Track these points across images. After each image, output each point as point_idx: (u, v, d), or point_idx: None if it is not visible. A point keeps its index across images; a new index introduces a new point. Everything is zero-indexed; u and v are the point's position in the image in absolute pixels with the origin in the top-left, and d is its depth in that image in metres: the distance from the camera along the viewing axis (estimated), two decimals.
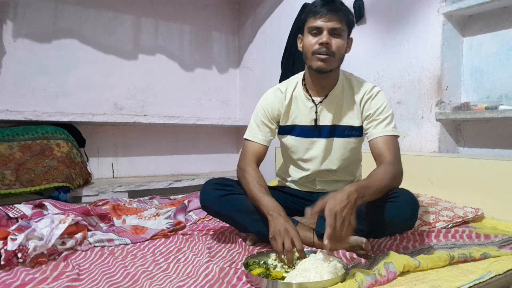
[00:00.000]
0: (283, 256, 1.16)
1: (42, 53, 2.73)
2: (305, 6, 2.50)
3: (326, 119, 1.47)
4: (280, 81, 2.08)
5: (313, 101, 1.47)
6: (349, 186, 1.10)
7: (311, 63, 1.39)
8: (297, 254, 1.17)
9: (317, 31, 1.35)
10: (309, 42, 1.37)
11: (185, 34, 3.38)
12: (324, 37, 1.33)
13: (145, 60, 3.18)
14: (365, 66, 2.41)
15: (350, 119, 1.47)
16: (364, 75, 2.41)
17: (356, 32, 2.49)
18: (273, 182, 2.36)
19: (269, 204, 1.28)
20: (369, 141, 1.42)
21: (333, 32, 1.34)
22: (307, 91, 1.49)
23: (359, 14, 2.41)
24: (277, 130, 1.56)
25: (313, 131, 1.48)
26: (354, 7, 2.42)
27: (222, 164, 3.59)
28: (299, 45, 1.45)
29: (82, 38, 2.88)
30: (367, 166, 1.42)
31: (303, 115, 1.49)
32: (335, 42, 1.34)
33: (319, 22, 1.33)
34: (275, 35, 3.12)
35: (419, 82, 2.15)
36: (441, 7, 2.01)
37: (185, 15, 3.35)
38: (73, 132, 2.71)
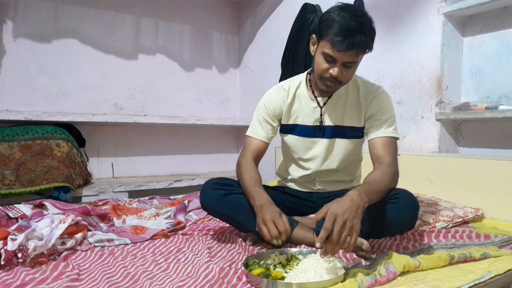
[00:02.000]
0: (274, 241, 1.19)
1: (42, 53, 2.73)
2: (305, 6, 2.50)
3: (329, 120, 1.47)
4: (280, 81, 2.07)
5: (317, 101, 1.47)
6: (352, 191, 1.10)
7: (318, 82, 1.37)
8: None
9: (331, 59, 1.27)
10: (320, 64, 1.30)
11: (185, 34, 3.38)
12: (336, 71, 1.27)
13: (145, 60, 3.18)
14: (365, 66, 2.40)
15: (353, 120, 1.46)
16: (364, 75, 2.39)
17: None
18: (273, 182, 2.36)
19: (256, 195, 1.29)
20: (368, 141, 1.42)
21: (346, 64, 1.27)
22: (312, 92, 1.48)
23: None
24: (278, 128, 1.56)
25: (316, 131, 1.48)
26: None
27: (222, 164, 3.59)
28: (312, 47, 1.37)
29: (82, 38, 2.88)
30: (367, 166, 1.42)
31: (305, 114, 1.49)
32: (346, 73, 1.29)
33: (334, 53, 1.24)
34: (275, 35, 3.12)
35: (419, 82, 2.15)
36: (441, 7, 2.01)
37: (185, 15, 3.35)
38: (73, 132, 2.71)
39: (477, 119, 1.94)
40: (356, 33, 1.21)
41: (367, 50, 1.29)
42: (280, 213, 1.23)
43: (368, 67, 2.40)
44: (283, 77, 2.64)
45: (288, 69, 2.63)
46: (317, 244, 1.01)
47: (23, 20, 2.66)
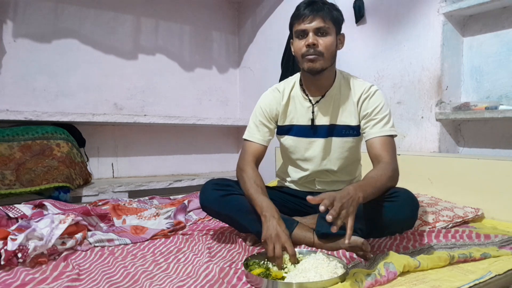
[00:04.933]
0: (273, 262, 1.15)
1: (42, 53, 2.72)
2: None
3: (323, 119, 1.47)
4: (280, 81, 2.08)
5: (310, 101, 1.48)
6: (349, 186, 1.11)
7: (302, 66, 1.40)
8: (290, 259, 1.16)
9: (303, 34, 1.36)
10: (297, 45, 1.39)
11: (185, 34, 3.38)
12: (310, 38, 1.34)
13: (145, 60, 3.17)
14: (365, 66, 2.41)
15: (348, 119, 1.46)
16: (364, 75, 2.42)
17: (356, 32, 2.50)
18: (273, 182, 2.36)
19: (263, 204, 1.28)
20: (366, 141, 1.42)
21: (318, 32, 1.34)
22: (304, 91, 1.49)
23: (359, 14, 2.41)
24: (275, 130, 1.56)
25: (311, 131, 1.48)
26: (354, 7, 2.42)
27: (222, 164, 3.59)
28: (292, 49, 1.45)
29: (82, 38, 2.88)
30: (367, 166, 1.42)
31: (300, 115, 1.49)
32: (322, 42, 1.34)
33: (303, 25, 1.34)
34: (275, 35, 3.12)
35: (419, 82, 2.15)
36: (441, 7, 2.01)
37: (185, 15, 3.35)
38: (73, 132, 2.70)
39: (477, 119, 1.94)
40: (317, 1, 1.36)
41: (336, 21, 1.38)
42: (289, 235, 1.21)
43: (368, 67, 2.40)
44: (283, 77, 2.64)
45: (288, 69, 2.63)
46: (321, 208, 0.98)
47: (23, 20, 2.65)
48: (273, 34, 3.19)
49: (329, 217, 0.97)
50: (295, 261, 1.15)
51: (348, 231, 1.00)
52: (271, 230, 1.19)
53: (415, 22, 2.15)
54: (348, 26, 2.48)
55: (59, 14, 2.78)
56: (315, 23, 1.33)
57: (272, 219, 1.22)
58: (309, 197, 1.03)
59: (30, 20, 2.68)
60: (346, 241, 1.00)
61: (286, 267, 1.13)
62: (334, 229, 1.00)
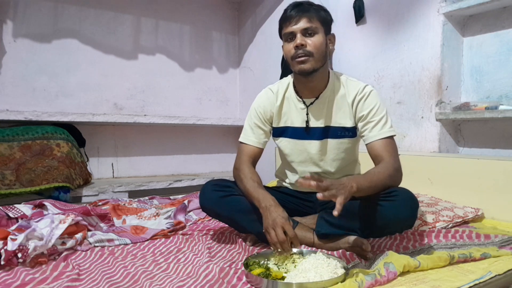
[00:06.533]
0: (279, 248, 1.17)
1: (42, 53, 2.72)
2: None
3: (318, 121, 1.46)
4: None
5: (304, 102, 1.47)
6: (345, 177, 1.15)
7: (294, 68, 1.40)
8: (294, 251, 1.17)
9: (292, 36, 1.36)
10: (286, 48, 1.39)
11: (185, 34, 3.38)
12: (298, 39, 1.34)
13: (145, 60, 3.17)
14: (365, 66, 2.41)
15: (343, 120, 1.45)
16: (364, 75, 2.42)
17: (356, 32, 2.50)
18: (273, 182, 2.36)
19: (259, 196, 1.29)
20: (366, 145, 1.40)
21: (306, 33, 1.34)
22: (297, 93, 1.48)
23: (359, 14, 2.41)
24: (271, 132, 1.55)
25: (306, 133, 1.47)
26: (354, 7, 2.42)
27: (222, 164, 3.59)
28: (283, 54, 1.45)
29: (82, 38, 2.88)
30: (367, 167, 1.42)
31: (295, 116, 1.48)
32: (311, 42, 1.34)
33: (290, 27, 1.35)
34: (275, 35, 3.10)
35: (419, 82, 2.15)
36: (441, 7, 2.01)
37: (185, 15, 3.35)
38: (73, 132, 2.70)
39: (477, 119, 1.94)
40: (303, 3, 1.37)
41: (324, 21, 1.37)
42: (287, 218, 1.22)
43: (368, 67, 2.40)
44: (283, 77, 2.63)
45: (288, 69, 2.63)
46: (313, 182, 1.02)
47: (23, 20, 2.65)
48: (273, 34, 3.18)
49: (319, 195, 1.00)
50: (297, 243, 1.17)
51: (337, 206, 1.01)
52: (268, 218, 1.21)
53: (415, 22, 2.15)
54: (348, 26, 2.48)
55: (59, 14, 2.78)
56: (302, 24, 1.33)
57: (269, 207, 1.24)
58: (299, 179, 1.05)
59: (30, 20, 2.68)
60: (335, 213, 1.00)
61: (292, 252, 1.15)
62: (335, 213, 1.00)
